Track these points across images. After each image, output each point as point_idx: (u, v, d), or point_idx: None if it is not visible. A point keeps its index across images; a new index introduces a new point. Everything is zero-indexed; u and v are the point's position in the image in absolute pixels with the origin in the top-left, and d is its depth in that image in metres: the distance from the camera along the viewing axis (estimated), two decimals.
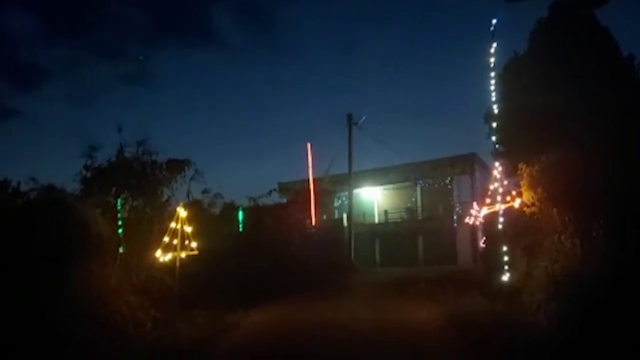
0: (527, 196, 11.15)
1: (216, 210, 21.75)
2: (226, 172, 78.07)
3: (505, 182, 11.52)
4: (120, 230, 14.32)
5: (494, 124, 11.78)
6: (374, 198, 42.62)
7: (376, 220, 42.24)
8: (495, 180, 11.60)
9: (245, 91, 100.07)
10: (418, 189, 41.18)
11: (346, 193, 33.86)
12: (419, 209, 41.14)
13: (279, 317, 12.25)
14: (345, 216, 33.68)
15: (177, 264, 11.41)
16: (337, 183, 32.94)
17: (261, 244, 20.40)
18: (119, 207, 13.00)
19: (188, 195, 15.64)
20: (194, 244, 11.60)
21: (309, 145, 28.93)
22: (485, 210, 11.98)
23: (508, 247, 13.25)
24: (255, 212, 24.48)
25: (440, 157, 39.91)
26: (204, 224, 21.10)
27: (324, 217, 31.75)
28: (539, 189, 10.89)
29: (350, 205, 31.62)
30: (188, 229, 11.49)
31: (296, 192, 28.19)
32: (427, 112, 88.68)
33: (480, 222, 32.81)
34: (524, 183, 11.24)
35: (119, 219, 13.02)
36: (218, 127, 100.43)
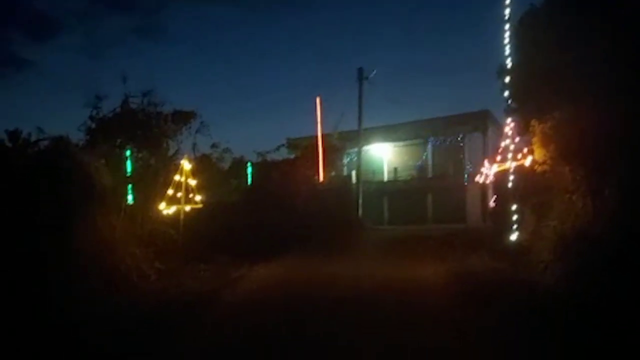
0: (539, 154, 10.86)
1: (225, 165, 21.91)
2: (235, 127, 77.86)
3: (517, 140, 11.20)
4: (130, 182, 14.33)
5: (507, 79, 11.36)
6: (384, 155, 42.27)
7: (385, 178, 42.01)
8: (507, 137, 11.28)
9: (255, 46, 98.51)
10: (429, 146, 40.76)
11: (355, 150, 33.55)
12: (429, 167, 40.83)
13: (285, 272, 12.22)
14: (354, 173, 33.51)
15: (181, 216, 11.34)
16: (346, 140, 32.62)
17: (268, 200, 20.36)
18: (127, 158, 12.90)
19: (194, 148, 15.51)
20: (198, 198, 11.49)
21: (318, 99, 28.52)
22: (495, 168, 11.71)
23: (517, 206, 13.05)
24: (263, 168, 24.45)
25: (452, 114, 39.32)
26: (213, 178, 21.38)
27: (333, 173, 31.61)
28: (551, 147, 10.59)
29: (359, 162, 31.37)
30: (192, 182, 11.37)
31: (304, 147, 27.95)
32: (440, 68, 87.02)
33: (491, 181, 32.74)
34: (535, 140, 10.93)
35: (127, 171, 12.95)
36: (228, 82, 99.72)
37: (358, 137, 31.51)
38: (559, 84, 10.75)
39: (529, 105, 11.26)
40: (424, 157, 41.13)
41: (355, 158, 34.09)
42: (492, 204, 36.64)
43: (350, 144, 34.05)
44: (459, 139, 39.66)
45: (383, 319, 7.55)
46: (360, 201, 30.19)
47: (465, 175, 38.55)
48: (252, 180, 23.65)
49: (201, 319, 7.96)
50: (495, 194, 22.50)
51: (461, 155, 39.72)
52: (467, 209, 37.66)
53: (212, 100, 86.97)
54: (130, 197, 12.06)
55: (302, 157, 27.07)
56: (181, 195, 11.17)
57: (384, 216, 39.48)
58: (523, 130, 11.32)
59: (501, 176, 18.05)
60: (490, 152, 39.08)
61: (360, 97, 30.40)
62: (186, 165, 11.38)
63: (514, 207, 12.02)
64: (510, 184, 11.41)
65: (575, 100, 10.26)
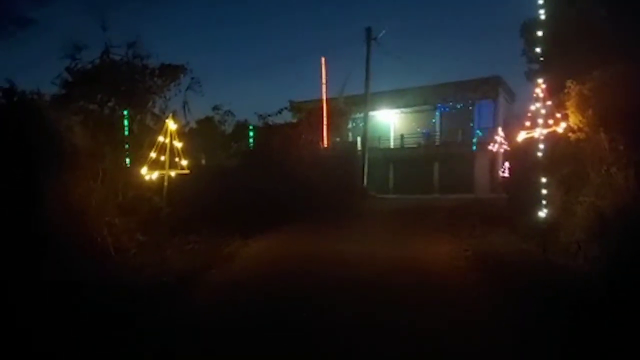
0: (574, 120, 9.48)
1: (228, 128, 21.03)
2: (238, 89, 75.93)
3: (549, 103, 9.78)
4: (126, 145, 13.16)
5: (539, 33, 9.90)
6: (390, 121, 40.86)
7: (391, 145, 40.71)
8: (537, 100, 9.86)
9: (257, 3, 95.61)
10: (437, 113, 39.32)
11: (361, 115, 32.08)
12: (437, 134, 39.47)
13: (283, 248, 10.98)
14: (359, 139, 32.11)
15: (165, 183, 10.05)
16: (351, 104, 31.11)
17: (269, 165, 19.10)
18: (124, 118, 11.65)
19: (184, 107, 14.11)
20: (184, 162, 10.18)
21: (323, 59, 26.92)
22: (523, 135, 10.33)
23: (544, 178, 11.75)
24: (264, 132, 23.19)
25: (462, 79, 37.70)
26: (215, 142, 20.33)
27: (337, 139, 30.19)
28: (589, 112, 9.21)
29: (365, 127, 29.92)
30: (178, 145, 10.04)
31: (308, 111, 26.50)
32: (452, 31, 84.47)
33: (505, 150, 31.36)
34: (571, 104, 9.54)
35: (123, 131, 11.75)
36: (228, 41, 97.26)
37: (364, 101, 29.94)
38: (600, 39, 9.35)
39: (564, 63, 9.83)
40: (431, 123, 39.70)
41: (361, 123, 32.68)
42: (502, 174, 35.68)
43: (356, 109, 32.54)
44: (468, 105, 38.15)
45: (399, 317, 6.13)
46: (366, 169, 28.85)
47: (474, 144, 37.18)
48: (253, 145, 22.43)
49: (179, 309, 6.65)
50: (509, 164, 21.21)
51: (470, 123, 38.29)
52: (475, 179, 36.45)
53: (212, 59, 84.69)
54: (112, 160, 10.75)
55: (306, 121, 25.66)
56: (165, 159, 9.84)
57: (389, 184, 38.32)
58: (555, 92, 9.91)
59: (518, 144, 16.74)
60: (500, 119, 37.86)
61: (368, 58, 28.70)
62: (171, 125, 10.00)
63: (541, 179, 10.64)
64: (539, 153, 10.01)
65: (620, 57, 8.86)
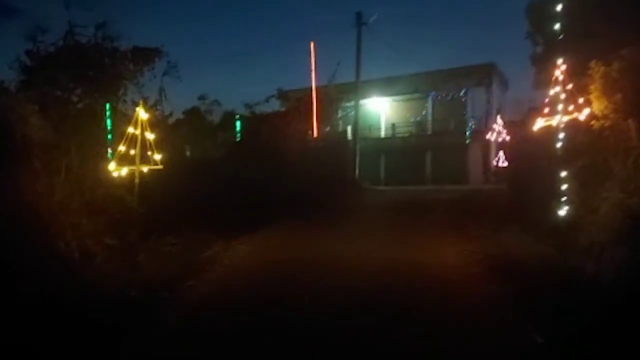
0: (599, 105, 8.43)
1: (215, 118, 20.33)
2: (223, 78, 74.37)
3: (569, 87, 8.68)
4: (109, 137, 11.99)
5: (558, 7, 8.79)
6: (381, 110, 39.75)
7: (382, 135, 39.65)
8: (557, 83, 8.76)
9: None
10: (429, 101, 38.26)
11: (351, 104, 30.91)
12: (429, 123, 38.44)
13: (269, 251, 9.72)
14: (349, 129, 30.97)
15: (136, 180, 8.84)
16: (341, 93, 29.91)
17: (256, 157, 17.96)
18: (107, 110, 10.47)
19: (161, 94, 12.85)
20: (157, 156, 8.98)
21: (312, 45, 25.61)
22: (541, 123, 9.24)
23: (560, 171, 10.74)
24: (251, 121, 22.06)
25: (455, 66, 36.65)
26: (199, 133, 19.34)
27: (327, 129, 28.97)
28: (617, 96, 8.16)
29: (356, 116, 28.78)
30: (150, 136, 8.83)
31: (297, 100, 25.26)
32: (444, 16, 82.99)
33: (503, 139, 30.38)
34: (595, 88, 8.48)
35: (94, 122, 10.55)
36: (214, 29, 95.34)
37: (355, 89, 28.77)
38: (630, 13, 8.29)
39: (587, 41, 8.76)
40: (423, 112, 38.64)
41: (352, 112, 31.50)
42: (498, 163, 34.76)
43: (346, 97, 31.36)
44: (461, 93, 37.14)
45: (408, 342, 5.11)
46: (357, 160, 27.75)
47: (467, 133, 36.23)
48: (240, 136, 21.31)
49: (142, 337, 5.42)
50: (511, 153, 20.20)
51: (463, 111, 37.29)
52: (469, 169, 35.60)
53: (198, 49, 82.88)
54: (78, 154, 9.52)
55: (295, 110, 24.44)
56: (136, 153, 8.63)
57: (380, 175, 37.31)
58: (577, 75, 8.83)
59: (524, 133, 15.74)
60: (494, 107, 36.89)
61: (358, 44, 27.50)
62: (142, 114, 8.78)
63: (559, 172, 9.58)
64: (558, 144, 8.91)
65: None
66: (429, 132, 38.15)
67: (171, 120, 18.70)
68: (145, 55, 11.37)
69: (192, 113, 19.55)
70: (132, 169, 8.68)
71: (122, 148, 8.50)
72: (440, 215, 13.65)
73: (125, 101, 10.90)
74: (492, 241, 9.25)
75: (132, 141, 8.59)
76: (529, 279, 6.69)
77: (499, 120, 29.11)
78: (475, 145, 35.82)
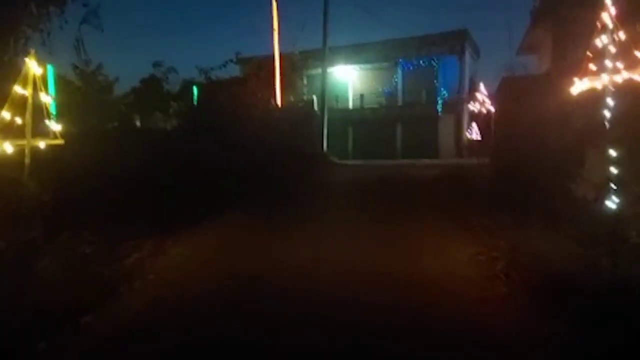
0: None
1: (174, 88, 18.63)
2: (182, 44, 70.44)
3: (622, 37, 6.57)
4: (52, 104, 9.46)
5: None
6: (349, 80, 37.43)
7: (350, 106, 37.39)
8: (603, 31, 6.63)
9: None
10: (399, 70, 36.11)
11: (317, 72, 28.53)
12: (399, 94, 36.34)
13: (214, 259, 6.93)
14: (315, 99, 28.63)
15: (27, 159, 6.39)
16: (306, 59, 27.48)
17: (211, 129, 15.54)
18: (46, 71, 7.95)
19: (78, 47, 10.26)
20: (56, 126, 6.56)
21: (274, 2, 22.99)
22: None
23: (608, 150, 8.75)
24: (206, 89, 19.53)
25: (426, 33, 34.53)
26: (156, 102, 17.80)
27: (292, 98, 26.56)
28: None
29: (323, 84, 26.43)
30: (47, 99, 6.39)
31: (258, 65, 22.73)
32: None
33: (479, 111, 28.54)
34: None
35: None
36: None
37: (321, 56, 26.37)
38: None
39: None
40: (393, 82, 36.50)
41: (318, 81, 29.15)
42: (474, 136, 33.05)
43: (312, 64, 28.95)
44: (432, 62, 35.11)
45: None
46: (325, 132, 25.54)
47: (439, 104, 34.34)
48: (192, 105, 18.96)
49: None
50: (497, 124, 18.25)
51: (435, 81, 35.32)
52: (440, 142, 33.83)
53: (153, 12, 78.39)
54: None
55: (255, 76, 21.90)
56: (26, 121, 6.20)
57: (349, 148, 35.23)
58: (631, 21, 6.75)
59: (518, 102, 13.83)
60: (466, 77, 35.01)
61: (326, 3, 25.02)
62: (34, 67, 6.29)
63: (605, 151, 7.52)
64: (607, 113, 6.78)
65: None
66: (400, 103, 36.11)
67: (121, 88, 17.69)
68: None
69: (150, 82, 17.94)
70: (18, 144, 6.23)
71: (5, 114, 6.01)
72: (427, 198, 11.54)
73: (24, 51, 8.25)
74: (507, 238, 7.07)
75: (19, 105, 6.12)
76: (579, 303, 4.61)
77: (482, 88, 27.11)
78: (447, 117, 34.05)
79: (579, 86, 6.74)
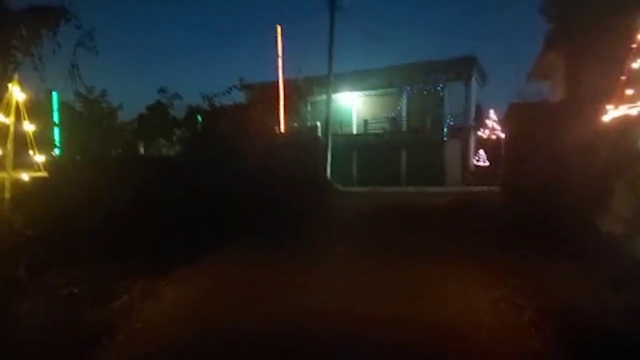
0: None
1: (180, 114, 18.50)
2: (188, 72, 70.56)
3: None
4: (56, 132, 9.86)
5: None
6: (353, 105, 37.09)
7: (354, 131, 36.98)
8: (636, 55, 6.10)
9: None
10: (404, 96, 35.75)
11: (321, 98, 28.19)
12: (404, 119, 35.92)
13: (212, 306, 5.98)
14: (319, 124, 28.23)
15: (7, 193, 5.86)
16: (311, 86, 27.16)
17: (213, 155, 15.09)
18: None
19: (73, 71, 9.79)
20: (40, 158, 6.04)
21: (278, 28, 22.72)
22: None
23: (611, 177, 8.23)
24: (210, 115, 19.19)
25: (432, 59, 34.22)
26: (162, 129, 17.54)
27: (295, 124, 26.16)
28: None
29: (328, 110, 26.03)
30: (30, 128, 5.88)
31: (262, 91, 22.37)
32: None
33: (487, 137, 28.04)
34: None
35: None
36: (176, 17, 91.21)
37: (325, 82, 26.01)
38: None
39: None
40: (398, 108, 36.12)
41: (322, 107, 28.79)
42: (482, 163, 32.51)
43: (316, 90, 28.65)
44: (438, 88, 34.74)
45: None
46: (329, 158, 25.04)
47: (445, 129, 33.85)
48: (195, 132, 18.63)
49: None
50: (507, 151, 17.72)
51: (440, 107, 34.90)
52: (446, 169, 33.19)
53: (159, 39, 78.76)
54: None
55: (259, 102, 21.54)
56: (7, 151, 5.67)
57: (353, 174, 34.66)
58: None
59: (531, 129, 13.33)
60: (472, 103, 34.59)
61: (331, 29, 24.75)
62: (17, 94, 5.81)
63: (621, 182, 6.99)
64: None
65: None
66: (404, 129, 35.65)
67: (127, 115, 17.59)
68: (44, 16, 8.29)
69: (156, 108, 17.87)
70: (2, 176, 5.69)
71: None
72: (439, 231, 10.92)
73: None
74: (532, 279, 6.46)
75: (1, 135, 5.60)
76: None
77: (492, 114, 26.62)
78: (453, 143, 33.50)
79: (612, 113, 6.22)
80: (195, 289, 6.56)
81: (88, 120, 15.60)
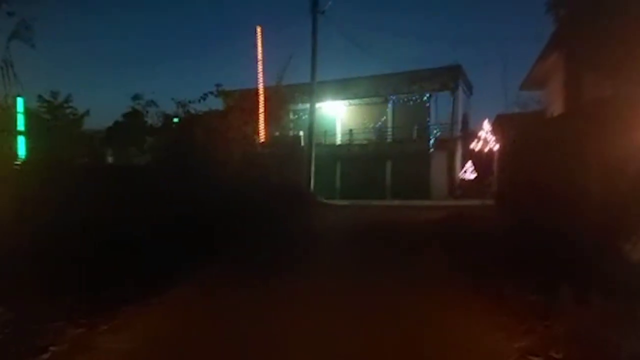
0: None
1: (157, 122, 17.40)
2: (164, 78, 68.90)
3: None
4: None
5: None
6: (337, 115, 36.03)
7: (338, 141, 35.86)
8: None
9: None
10: (389, 105, 34.79)
11: (304, 106, 27.07)
12: (389, 130, 34.92)
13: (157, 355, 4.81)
14: (302, 133, 27.05)
15: None
16: (294, 94, 26.00)
17: (186, 166, 13.74)
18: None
19: (6, 69, 8.35)
20: None
21: (258, 29, 21.49)
22: None
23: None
24: (184, 123, 17.93)
25: (418, 68, 33.34)
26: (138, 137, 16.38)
27: (277, 133, 24.90)
28: None
29: (312, 118, 24.81)
30: None
31: (241, 97, 21.10)
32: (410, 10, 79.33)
33: (490, 149, 27.03)
34: None
35: None
36: (152, 25, 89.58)
37: (308, 89, 24.82)
38: None
39: None
40: (383, 118, 35.14)
41: (304, 116, 27.69)
42: (467, 175, 31.56)
43: (298, 99, 27.53)
44: (424, 98, 33.84)
45: None
46: (313, 169, 23.82)
47: (431, 141, 32.89)
48: (167, 140, 17.33)
49: None
50: (503, 163, 16.64)
51: (426, 117, 34.02)
52: (432, 181, 32.15)
53: (135, 45, 77.08)
54: None
55: (238, 109, 20.27)
56: None
57: (335, 187, 33.45)
58: None
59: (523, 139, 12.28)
60: (459, 114, 33.64)
61: (314, 35, 23.60)
62: None
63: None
64: None
65: None
66: (389, 140, 34.63)
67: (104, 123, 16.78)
68: None
69: (132, 116, 16.90)
70: None
71: None
72: (437, 255, 9.71)
73: None
74: (564, 324, 5.21)
75: None
76: None
77: (486, 125, 25.64)
78: (439, 154, 32.54)
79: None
80: (142, 339, 5.17)
81: (51, 127, 14.40)
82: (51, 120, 14.87)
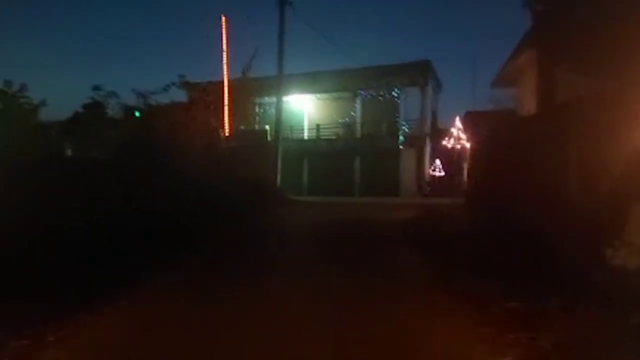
0: None
1: (117, 113, 17.20)
2: (125, 68, 67.13)
3: None
4: None
5: None
6: (305, 109, 35.41)
7: (306, 136, 35.27)
8: None
9: None
10: (358, 100, 34.34)
11: (270, 100, 26.41)
12: (358, 125, 34.49)
13: None
14: (268, 127, 26.40)
15: None
16: (260, 87, 25.29)
17: (145, 161, 12.99)
18: None
19: None
20: None
21: (223, 19, 20.72)
22: None
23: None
24: (144, 116, 17.25)
25: (387, 63, 32.96)
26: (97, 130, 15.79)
27: (242, 127, 24.18)
28: None
29: (279, 112, 24.15)
30: None
31: (205, 90, 20.33)
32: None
33: (462, 147, 26.82)
34: None
35: None
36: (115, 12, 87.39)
37: (276, 82, 24.12)
38: None
39: None
40: (352, 113, 34.68)
41: (271, 109, 27.04)
42: (436, 172, 31.40)
43: (265, 93, 26.82)
44: (393, 93, 33.51)
45: None
46: (279, 165, 23.20)
47: (400, 137, 32.60)
48: (126, 133, 16.61)
49: None
50: (474, 160, 16.33)
51: (396, 113, 33.71)
52: (401, 178, 31.85)
53: (95, 35, 75.00)
54: None
55: (201, 101, 19.57)
56: None
57: (303, 183, 32.88)
58: None
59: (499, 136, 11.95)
60: (428, 110, 33.41)
61: (281, 26, 22.90)
62: None
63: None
64: None
65: None
66: (358, 136, 34.20)
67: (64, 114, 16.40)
68: None
69: (93, 107, 16.42)
70: None
71: None
72: (410, 255, 9.26)
73: None
74: (554, 333, 4.73)
75: None
76: None
77: (458, 122, 25.40)
78: (409, 151, 32.32)
79: None
80: (91, 351, 4.47)
81: (4, 117, 13.65)
82: (3, 111, 14.11)
